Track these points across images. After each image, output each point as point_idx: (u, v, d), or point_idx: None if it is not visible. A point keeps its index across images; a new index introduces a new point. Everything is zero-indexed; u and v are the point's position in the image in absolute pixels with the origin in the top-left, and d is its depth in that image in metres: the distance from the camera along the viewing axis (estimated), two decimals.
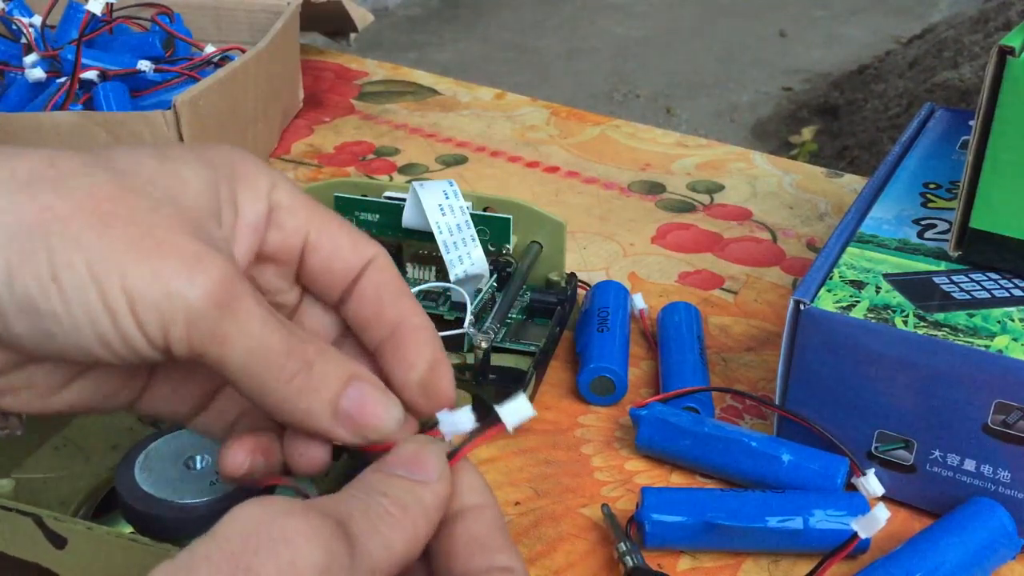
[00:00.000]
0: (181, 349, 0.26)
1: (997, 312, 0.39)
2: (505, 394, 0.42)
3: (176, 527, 0.33)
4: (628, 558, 0.36)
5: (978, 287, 0.40)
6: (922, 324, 0.38)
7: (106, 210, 0.25)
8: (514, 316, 0.48)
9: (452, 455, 0.28)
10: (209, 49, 0.64)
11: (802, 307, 0.39)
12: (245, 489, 0.33)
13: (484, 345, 0.42)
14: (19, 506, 0.32)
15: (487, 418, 0.28)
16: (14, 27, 0.64)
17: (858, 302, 0.39)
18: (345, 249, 0.30)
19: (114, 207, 0.26)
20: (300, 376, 0.27)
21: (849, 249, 0.43)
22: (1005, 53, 0.38)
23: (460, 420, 0.29)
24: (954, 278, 0.41)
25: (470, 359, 0.43)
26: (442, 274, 0.49)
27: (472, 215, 0.47)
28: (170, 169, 0.27)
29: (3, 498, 0.32)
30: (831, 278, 0.41)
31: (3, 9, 0.65)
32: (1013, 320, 0.38)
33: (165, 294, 0.25)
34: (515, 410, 0.28)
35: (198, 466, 0.34)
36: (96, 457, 0.38)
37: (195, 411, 0.31)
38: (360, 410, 0.28)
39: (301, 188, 0.31)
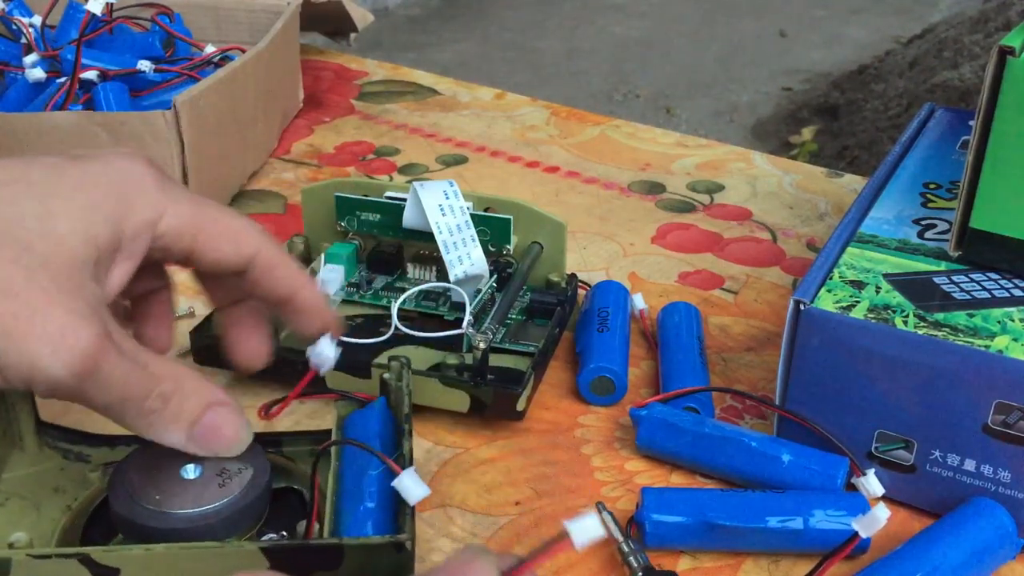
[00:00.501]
0: (44, 393, 0.29)
1: (997, 312, 0.39)
2: (503, 395, 0.42)
3: (185, 538, 0.32)
4: (632, 558, 0.36)
5: (978, 287, 0.40)
6: (922, 324, 0.38)
7: None
8: (514, 317, 0.48)
9: (513, 569, 0.28)
10: (209, 49, 0.64)
11: (802, 307, 0.39)
12: (248, 496, 0.33)
13: (483, 345, 0.42)
14: (60, 551, 0.32)
15: (555, 536, 0.28)
16: (14, 27, 0.64)
17: (858, 302, 0.39)
18: (228, 254, 0.34)
19: None
20: (157, 412, 0.31)
21: (849, 249, 0.43)
22: (1005, 53, 0.38)
23: (324, 350, 0.35)
24: (954, 278, 0.41)
25: (469, 359, 0.43)
26: (442, 274, 0.49)
27: (472, 215, 0.47)
28: (48, 228, 0.29)
29: (24, 549, 0.32)
30: (831, 278, 0.41)
31: (3, 9, 0.65)
32: (1013, 320, 0.38)
33: (30, 368, 0.28)
34: (585, 529, 0.28)
35: (191, 475, 0.34)
36: (45, 502, 0.37)
37: None
38: (213, 433, 0.32)
39: (190, 197, 0.34)
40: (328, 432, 0.39)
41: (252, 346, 0.37)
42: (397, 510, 0.35)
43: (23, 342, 0.28)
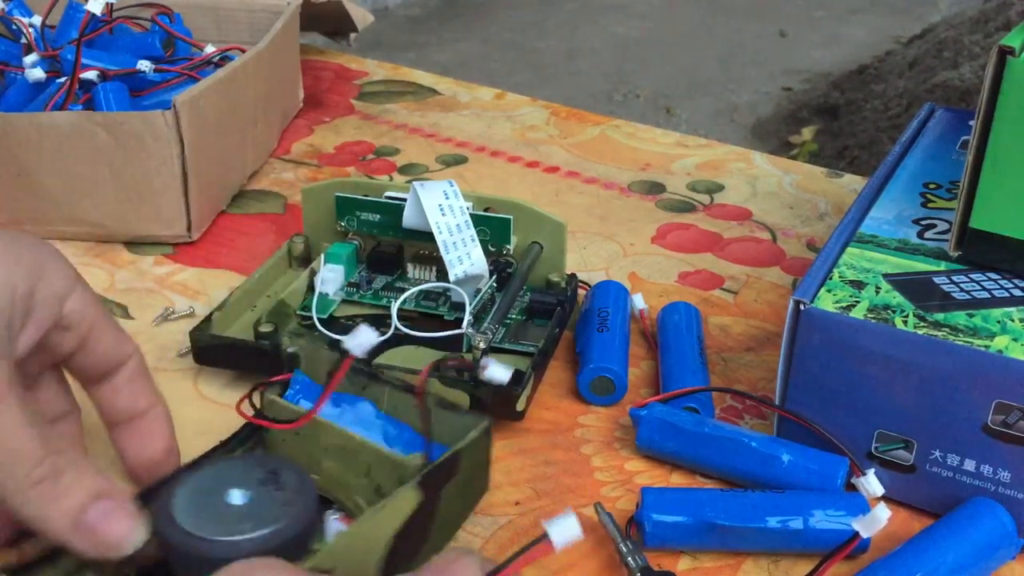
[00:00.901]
0: None
1: (997, 312, 0.39)
2: (503, 396, 0.42)
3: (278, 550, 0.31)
4: (631, 559, 0.36)
5: (978, 287, 0.40)
6: (922, 324, 0.38)
7: None
8: (513, 317, 0.48)
9: (497, 572, 0.28)
10: (209, 49, 0.64)
11: (802, 307, 0.39)
12: (296, 522, 0.32)
13: (482, 346, 0.42)
14: None
15: (536, 538, 0.29)
16: (14, 27, 0.64)
17: (858, 302, 0.39)
18: (111, 349, 0.35)
19: None
20: (46, 483, 0.29)
21: (849, 249, 0.43)
22: (1005, 53, 0.38)
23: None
24: (954, 278, 0.41)
25: (469, 358, 0.43)
26: (442, 274, 0.49)
27: (472, 215, 0.47)
28: None
29: None
30: (831, 278, 0.41)
31: (3, 9, 0.65)
32: (1013, 320, 0.38)
33: None
34: (564, 529, 0.28)
35: (237, 501, 0.32)
36: None
37: None
38: (103, 524, 0.30)
39: (89, 289, 0.35)
40: (242, 430, 0.39)
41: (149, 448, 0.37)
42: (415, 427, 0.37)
43: None
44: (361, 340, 0.34)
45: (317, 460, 0.37)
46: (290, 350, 0.39)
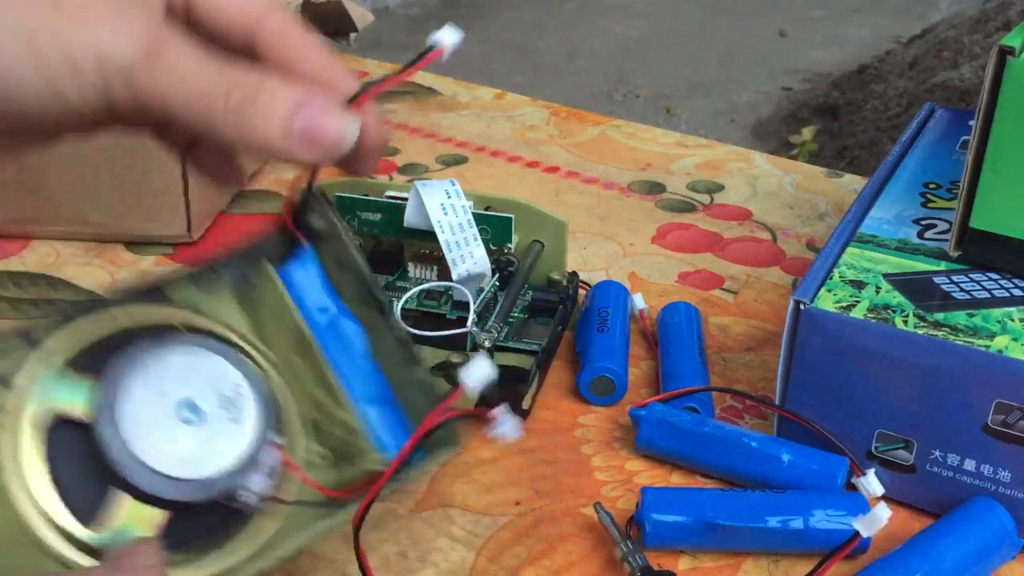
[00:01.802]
0: (125, 100, 0.27)
1: (997, 312, 0.39)
2: (508, 393, 0.42)
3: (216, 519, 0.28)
4: (631, 559, 0.36)
5: (978, 287, 0.40)
6: (922, 324, 0.38)
7: None
8: (516, 315, 0.48)
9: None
10: None
11: (802, 307, 0.39)
12: (231, 476, 0.29)
13: (487, 344, 0.42)
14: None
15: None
16: None
17: (858, 302, 0.39)
18: (227, 8, 0.31)
19: None
20: (246, 105, 0.28)
21: (849, 249, 0.43)
22: (1005, 53, 0.38)
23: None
24: (954, 278, 0.41)
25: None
26: (444, 273, 0.49)
27: (474, 214, 0.47)
28: None
29: None
30: (831, 278, 0.41)
31: None
32: (1013, 320, 0.38)
33: (96, 54, 0.27)
34: (477, 372, 0.28)
35: (190, 420, 0.29)
36: None
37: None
38: (315, 129, 0.29)
39: None
40: (209, 262, 0.32)
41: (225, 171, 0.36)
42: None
43: (83, 20, 0.27)
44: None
45: (275, 344, 0.32)
46: (316, 223, 0.33)
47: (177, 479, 0.28)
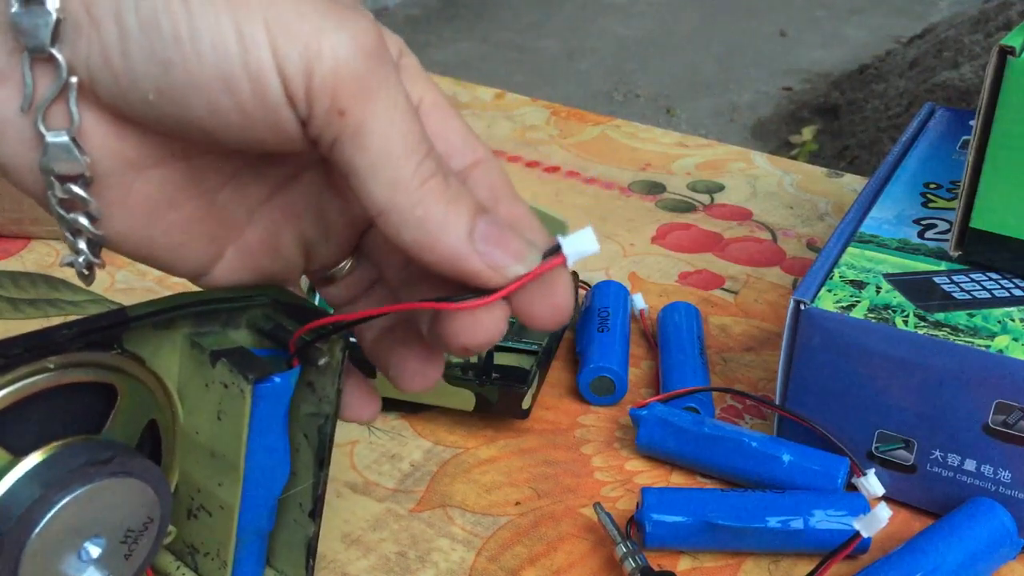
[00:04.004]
0: (322, 102, 0.23)
1: (997, 312, 0.39)
2: (509, 393, 0.42)
3: None
4: (630, 559, 0.36)
5: (978, 287, 0.40)
6: (922, 324, 0.38)
7: None
8: None
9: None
10: None
11: (802, 307, 0.39)
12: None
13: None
14: None
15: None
16: None
17: (858, 302, 0.39)
18: (457, 140, 0.28)
19: None
20: (437, 179, 0.24)
21: (849, 249, 0.43)
22: (1005, 53, 0.38)
23: (584, 240, 0.25)
24: (954, 278, 0.41)
25: (473, 358, 0.43)
26: None
27: None
28: None
29: None
30: (831, 278, 0.41)
31: None
32: (1013, 320, 0.38)
33: (314, 32, 0.23)
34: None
35: (89, 556, 0.27)
36: None
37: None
38: (500, 237, 0.25)
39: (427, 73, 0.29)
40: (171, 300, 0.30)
41: (419, 363, 0.29)
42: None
43: (302, 7, 0.23)
44: (580, 246, 0.26)
45: (200, 427, 0.30)
46: (321, 360, 0.31)
47: None
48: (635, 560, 0.36)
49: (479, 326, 0.25)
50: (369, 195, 0.24)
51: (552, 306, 0.26)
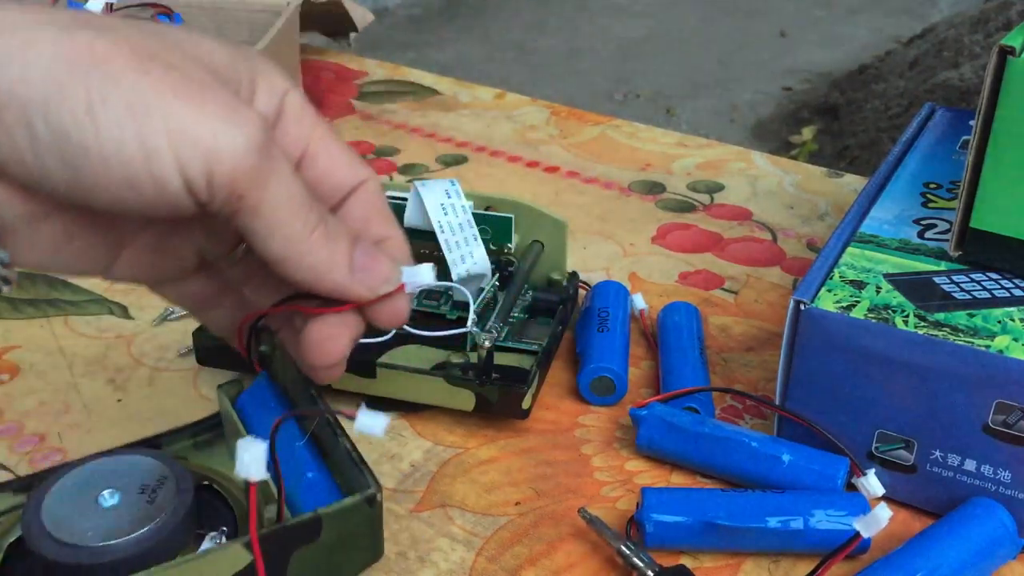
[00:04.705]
0: (221, 193, 0.26)
1: (998, 312, 0.39)
2: (509, 393, 0.42)
3: (97, 573, 0.31)
4: (637, 559, 0.36)
5: (978, 287, 0.40)
6: (922, 324, 0.38)
7: (145, 55, 0.26)
8: (516, 315, 0.48)
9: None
10: None
11: (802, 307, 0.39)
12: (169, 521, 0.32)
13: (487, 344, 0.42)
14: None
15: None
16: None
17: (858, 302, 0.39)
18: (341, 167, 0.31)
19: (153, 54, 0.26)
20: (320, 229, 0.28)
21: (849, 249, 0.43)
22: (1005, 53, 0.38)
23: (421, 273, 0.31)
24: (954, 278, 0.41)
25: (473, 358, 0.43)
26: (443, 273, 0.49)
27: (474, 214, 0.47)
28: (197, 39, 0.28)
29: None
30: (831, 278, 0.41)
31: None
32: (1014, 320, 0.38)
33: (212, 135, 0.26)
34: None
35: (108, 502, 0.32)
36: None
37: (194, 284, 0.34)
38: (372, 263, 0.30)
39: (307, 101, 0.32)
40: (209, 419, 0.39)
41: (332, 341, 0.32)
42: (335, 471, 0.35)
43: (201, 105, 0.26)
44: (419, 279, 0.32)
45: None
46: (262, 348, 0.38)
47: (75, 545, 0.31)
48: (642, 559, 0.36)
49: (335, 335, 0.31)
50: (267, 250, 0.28)
51: (392, 313, 0.31)
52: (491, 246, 0.48)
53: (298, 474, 0.35)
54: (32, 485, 0.34)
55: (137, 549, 0.31)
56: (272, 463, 0.34)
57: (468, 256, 0.46)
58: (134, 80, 0.25)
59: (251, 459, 0.29)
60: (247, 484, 0.29)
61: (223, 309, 0.35)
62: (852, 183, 0.66)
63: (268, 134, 0.27)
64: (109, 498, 0.32)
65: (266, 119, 0.28)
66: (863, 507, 0.37)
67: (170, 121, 0.25)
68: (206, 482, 0.37)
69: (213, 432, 0.39)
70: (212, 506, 0.36)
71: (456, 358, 0.44)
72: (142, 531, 0.32)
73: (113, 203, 0.27)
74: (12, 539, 0.34)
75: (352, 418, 0.30)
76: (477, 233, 0.46)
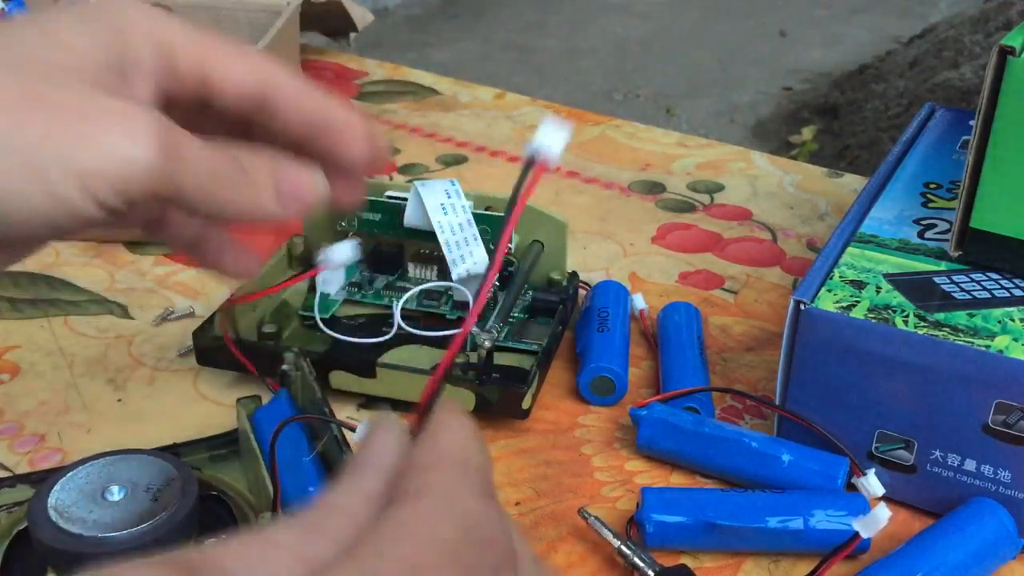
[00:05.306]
0: (142, 197, 0.27)
1: (997, 312, 0.39)
2: (509, 393, 0.42)
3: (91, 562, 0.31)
4: (638, 559, 0.36)
5: (978, 287, 0.40)
6: (922, 324, 0.38)
7: (11, 102, 0.25)
8: (516, 315, 0.48)
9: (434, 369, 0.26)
10: None
11: (802, 307, 0.39)
12: (184, 507, 0.33)
13: (487, 344, 0.42)
14: None
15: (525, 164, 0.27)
16: None
17: (858, 302, 0.39)
18: (242, 74, 0.31)
19: (17, 96, 0.26)
20: (242, 182, 0.29)
21: (849, 249, 0.43)
22: (1005, 53, 0.38)
23: (342, 251, 0.33)
24: (954, 278, 0.41)
25: (473, 358, 0.43)
26: (444, 273, 0.49)
27: (474, 214, 0.47)
28: (53, 41, 0.27)
29: None
30: (831, 278, 0.41)
31: (3, 9, 0.65)
32: (1013, 320, 0.38)
33: (119, 162, 0.26)
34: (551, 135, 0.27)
35: (114, 496, 0.33)
36: None
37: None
38: (296, 187, 0.30)
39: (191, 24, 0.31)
40: (227, 434, 0.40)
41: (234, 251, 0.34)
42: None
43: (91, 134, 0.25)
44: (338, 256, 0.34)
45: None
46: (284, 367, 0.39)
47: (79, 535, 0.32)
48: (643, 559, 0.36)
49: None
50: (195, 211, 0.29)
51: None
52: (491, 246, 0.48)
53: (301, 488, 0.35)
54: (47, 479, 0.35)
55: (134, 543, 0.32)
56: (271, 470, 0.35)
57: (468, 256, 0.46)
58: (15, 130, 0.25)
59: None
60: None
61: (173, 227, 0.34)
62: (852, 183, 0.66)
63: (162, 124, 0.27)
64: (116, 493, 0.33)
65: (152, 109, 0.27)
66: (863, 507, 0.37)
67: (72, 164, 0.25)
68: (214, 492, 0.37)
69: (229, 448, 0.40)
70: (216, 515, 0.36)
71: (456, 358, 0.44)
72: (142, 526, 0.32)
73: (27, 233, 0.27)
74: (21, 527, 0.35)
75: (353, 429, 0.30)
76: (477, 233, 0.46)
